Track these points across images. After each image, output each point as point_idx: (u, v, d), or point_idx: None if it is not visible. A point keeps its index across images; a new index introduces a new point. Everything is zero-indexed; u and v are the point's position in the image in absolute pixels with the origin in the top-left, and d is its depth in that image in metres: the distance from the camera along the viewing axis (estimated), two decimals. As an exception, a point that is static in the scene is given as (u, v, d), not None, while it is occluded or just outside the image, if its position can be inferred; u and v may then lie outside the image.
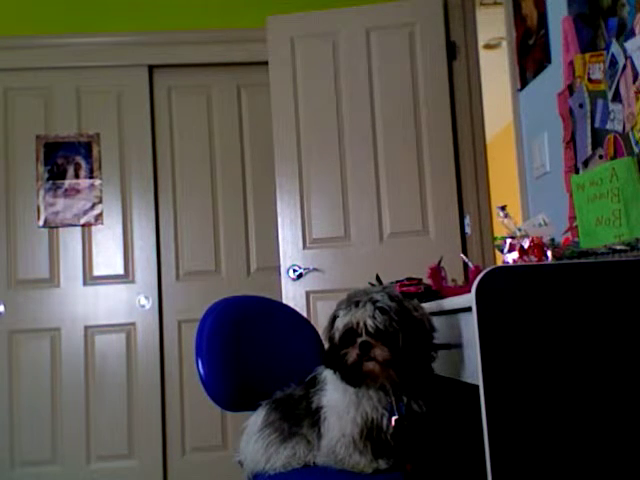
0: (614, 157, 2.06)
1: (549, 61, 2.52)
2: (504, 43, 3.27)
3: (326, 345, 1.63)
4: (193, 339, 1.92)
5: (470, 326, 1.44)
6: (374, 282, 1.93)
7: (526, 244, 1.52)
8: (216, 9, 3.49)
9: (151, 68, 3.50)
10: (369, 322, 1.51)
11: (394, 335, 1.51)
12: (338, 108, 3.25)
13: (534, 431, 1.28)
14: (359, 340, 1.51)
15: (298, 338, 2.06)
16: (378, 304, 1.53)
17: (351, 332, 1.53)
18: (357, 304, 1.54)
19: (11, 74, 3.42)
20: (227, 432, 3.32)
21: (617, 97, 2.05)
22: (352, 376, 1.54)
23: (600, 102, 2.15)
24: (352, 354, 1.52)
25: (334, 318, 1.59)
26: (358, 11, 3.30)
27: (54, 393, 3.27)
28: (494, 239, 1.89)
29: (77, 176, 3.40)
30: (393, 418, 1.55)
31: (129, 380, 3.30)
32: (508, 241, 1.55)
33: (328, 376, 1.65)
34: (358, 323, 1.52)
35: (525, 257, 1.52)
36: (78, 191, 3.39)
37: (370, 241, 3.19)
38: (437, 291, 1.96)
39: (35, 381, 3.26)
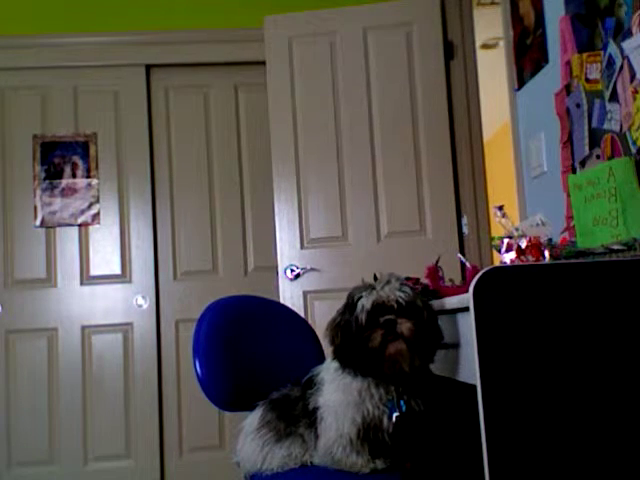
0: (611, 157, 2.07)
1: (546, 61, 2.52)
2: (501, 43, 3.27)
3: (335, 341, 1.59)
4: (190, 339, 1.92)
5: (467, 326, 1.44)
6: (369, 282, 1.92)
7: (523, 244, 1.52)
8: (214, 9, 3.49)
9: (148, 68, 3.50)
10: (399, 294, 1.52)
11: (420, 310, 1.52)
12: (335, 108, 3.25)
13: (531, 430, 1.28)
14: (382, 319, 1.51)
15: (295, 338, 2.06)
16: (401, 280, 1.56)
17: (379, 309, 1.52)
18: (380, 283, 1.56)
19: (8, 73, 3.41)
20: (224, 432, 3.32)
21: (614, 97, 2.05)
22: (373, 361, 1.51)
23: (597, 102, 2.15)
24: (376, 336, 1.50)
25: (353, 304, 1.56)
26: (355, 11, 3.30)
27: (51, 393, 3.26)
28: (491, 239, 1.89)
29: (74, 176, 3.39)
30: (394, 414, 1.55)
31: (126, 380, 3.29)
32: (505, 241, 1.55)
33: (326, 377, 1.65)
34: (389, 297, 1.52)
35: (522, 257, 1.52)
36: (75, 191, 3.38)
37: (367, 241, 3.19)
38: (435, 291, 1.96)
39: (32, 381, 3.25)
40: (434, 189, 3.19)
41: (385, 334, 1.50)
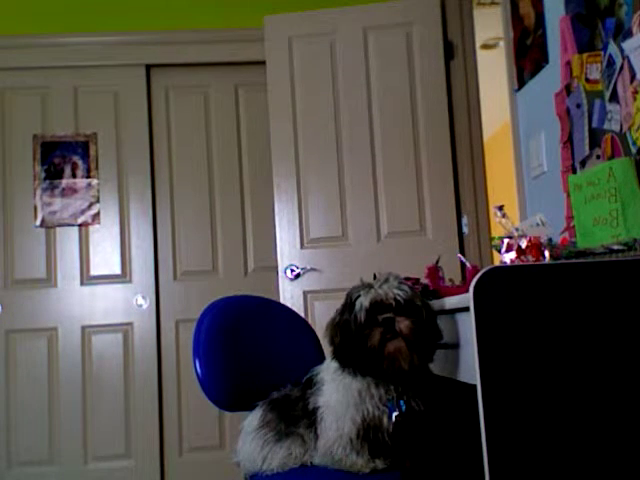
0: (611, 157, 2.07)
1: (546, 61, 2.52)
2: (502, 43, 3.27)
3: (335, 340, 1.59)
4: (190, 339, 1.92)
5: (468, 326, 1.44)
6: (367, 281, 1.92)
7: (523, 244, 1.52)
8: (214, 9, 3.49)
9: (149, 67, 3.50)
10: (397, 292, 1.52)
11: (418, 308, 1.53)
12: (335, 108, 3.25)
13: (531, 430, 1.28)
14: (381, 318, 1.51)
15: (295, 338, 2.06)
16: (399, 279, 1.57)
17: (378, 307, 1.52)
18: (378, 282, 1.56)
19: (8, 73, 3.41)
20: (224, 432, 3.32)
21: (614, 97, 2.05)
22: (372, 360, 1.51)
23: (597, 102, 2.15)
24: (375, 334, 1.51)
25: (351, 303, 1.56)
26: (356, 11, 3.30)
27: (51, 393, 3.26)
28: (491, 239, 1.89)
29: (74, 176, 3.39)
30: (394, 414, 1.55)
31: (126, 380, 3.29)
32: (505, 241, 1.55)
33: (326, 377, 1.65)
34: (387, 295, 1.52)
35: (522, 257, 1.52)
36: (75, 191, 3.38)
37: (368, 241, 3.19)
38: (435, 291, 1.96)
39: (32, 381, 3.25)
40: (434, 189, 3.19)
41: (384, 332, 1.50)
